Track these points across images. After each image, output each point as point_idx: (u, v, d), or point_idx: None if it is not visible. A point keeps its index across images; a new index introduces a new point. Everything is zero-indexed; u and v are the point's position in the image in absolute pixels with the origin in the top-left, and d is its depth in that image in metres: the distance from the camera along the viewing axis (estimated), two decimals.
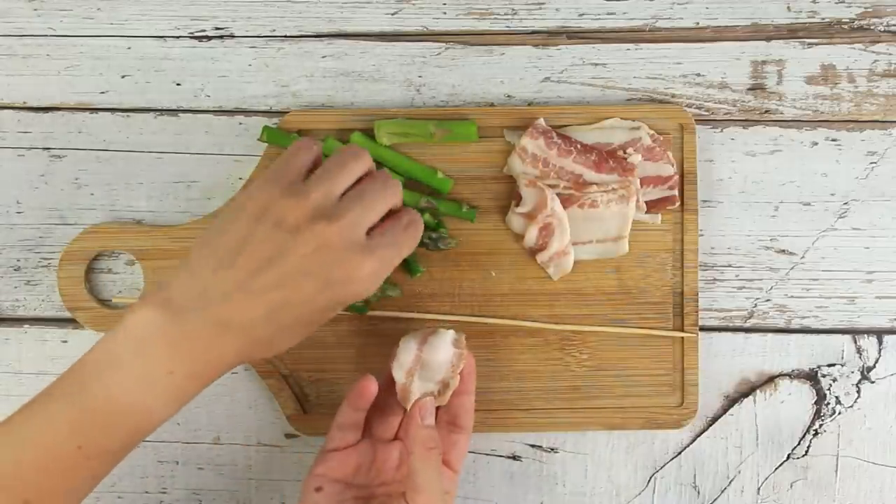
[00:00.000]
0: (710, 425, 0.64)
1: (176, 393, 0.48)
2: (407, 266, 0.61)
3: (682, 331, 0.62)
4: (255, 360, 0.51)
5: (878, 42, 0.63)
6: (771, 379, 0.64)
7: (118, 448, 0.48)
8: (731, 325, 0.64)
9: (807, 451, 0.64)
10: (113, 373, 0.47)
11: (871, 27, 0.63)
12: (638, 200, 0.61)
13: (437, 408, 0.55)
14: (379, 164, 0.61)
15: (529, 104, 0.63)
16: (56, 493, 0.47)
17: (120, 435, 0.47)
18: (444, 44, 0.64)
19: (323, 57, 0.64)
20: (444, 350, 0.55)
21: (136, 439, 0.48)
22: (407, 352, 0.54)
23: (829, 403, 0.64)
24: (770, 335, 0.64)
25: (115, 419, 0.47)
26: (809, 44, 0.64)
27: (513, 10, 0.63)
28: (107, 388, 0.47)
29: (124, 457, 0.49)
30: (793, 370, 0.64)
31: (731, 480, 0.64)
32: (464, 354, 0.54)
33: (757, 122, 0.64)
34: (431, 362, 0.54)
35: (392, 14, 0.63)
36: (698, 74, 0.64)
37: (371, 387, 0.54)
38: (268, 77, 0.64)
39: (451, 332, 0.55)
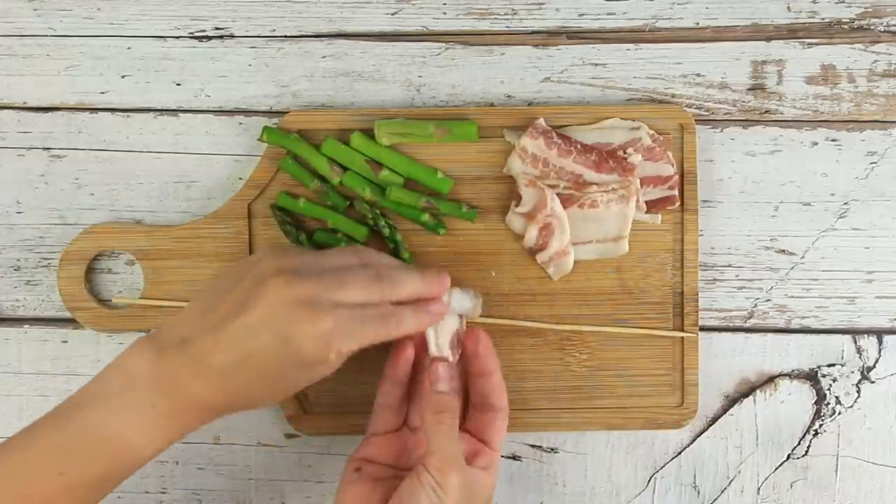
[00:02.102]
0: (710, 425, 0.64)
1: (159, 429, 0.49)
2: None
3: (682, 331, 0.62)
4: (242, 409, 0.51)
5: (878, 42, 0.63)
6: (771, 379, 0.64)
7: (100, 478, 0.48)
8: (731, 325, 0.64)
9: (807, 451, 0.64)
10: (98, 406, 0.49)
11: (871, 27, 0.63)
12: (638, 200, 0.61)
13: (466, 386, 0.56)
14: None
15: (529, 104, 0.63)
16: None
17: (102, 464, 0.48)
18: (444, 44, 0.64)
19: (323, 57, 0.64)
20: (450, 318, 0.55)
21: (119, 471, 0.49)
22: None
23: (829, 403, 0.64)
24: (770, 335, 0.64)
25: (97, 447, 0.48)
26: (809, 44, 0.64)
27: (513, 10, 0.63)
28: (91, 418, 0.48)
29: (109, 491, 0.50)
30: (793, 370, 0.64)
31: (731, 480, 0.64)
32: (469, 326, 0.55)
33: (757, 122, 0.64)
34: (457, 302, 0.56)
35: (392, 14, 0.63)
36: (698, 74, 0.64)
37: (408, 351, 0.55)
38: (268, 77, 0.64)
39: (459, 293, 0.56)
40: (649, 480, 0.64)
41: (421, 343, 0.56)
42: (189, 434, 0.50)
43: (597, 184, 0.61)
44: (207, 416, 0.50)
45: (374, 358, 0.59)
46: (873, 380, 0.64)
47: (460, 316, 0.56)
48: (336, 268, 0.51)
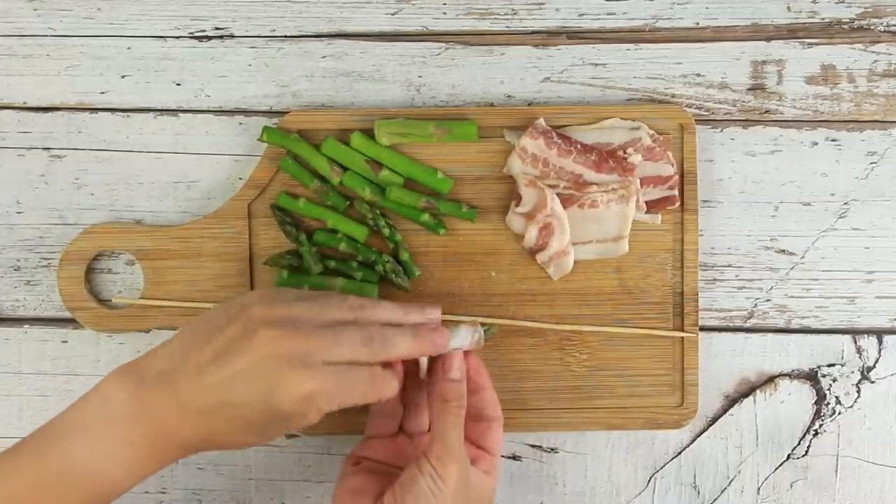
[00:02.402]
0: (710, 425, 0.64)
1: (137, 462, 0.49)
2: (404, 268, 0.61)
3: (682, 331, 0.62)
4: (218, 449, 0.51)
5: (878, 42, 0.63)
6: (771, 379, 0.64)
7: None
8: (731, 325, 0.64)
9: (807, 451, 0.64)
10: (76, 436, 0.48)
11: (871, 27, 0.63)
12: (638, 200, 0.61)
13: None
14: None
15: (529, 104, 0.63)
16: None
17: (79, 497, 0.48)
18: (444, 44, 0.64)
19: (323, 57, 0.64)
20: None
21: (95, 503, 0.49)
22: None
23: (829, 403, 0.64)
24: (770, 335, 0.64)
25: (73, 481, 0.48)
26: (809, 44, 0.64)
27: (513, 10, 0.63)
28: (68, 450, 0.48)
29: None
30: (793, 370, 0.64)
31: (731, 480, 0.64)
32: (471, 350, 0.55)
33: (757, 122, 0.64)
34: (457, 342, 0.55)
35: (392, 14, 0.63)
36: (698, 74, 0.64)
37: (396, 364, 0.55)
38: (268, 77, 0.64)
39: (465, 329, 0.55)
40: (649, 480, 0.64)
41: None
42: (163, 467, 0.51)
43: (597, 184, 0.61)
44: (185, 451, 0.50)
45: None
46: (873, 380, 0.64)
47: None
48: (328, 323, 0.50)
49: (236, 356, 0.48)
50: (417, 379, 0.56)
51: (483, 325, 0.58)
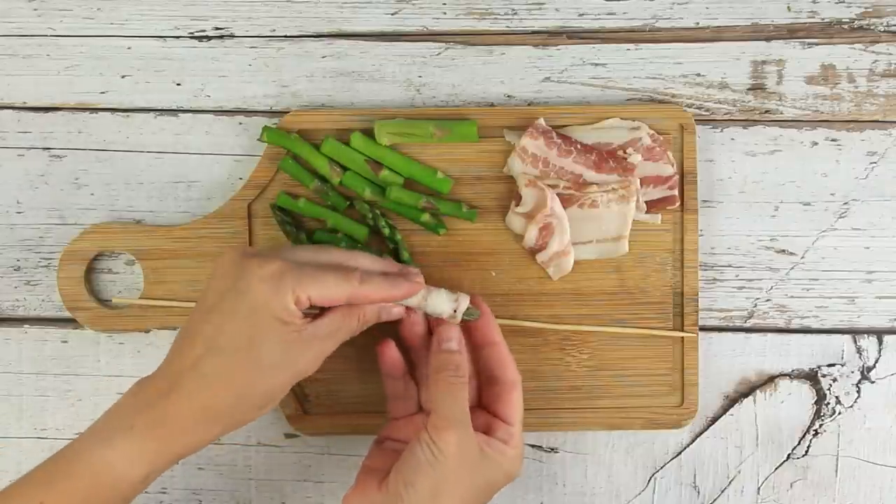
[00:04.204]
0: (710, 425, 0.64)
1: (140, 452, 0.48)
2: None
3: (682, 331, 0.62)
4: (230, 415, 0.50)
5: (878, 42, 0.63)
6: (771, 379, 0.64)
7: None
8: (731, 325, 0.64)
9: (807, 451, 0.64)
10: (85, 437, 0.49)
11: (871, 27, 0.63)
12: (638, 200, 0.61)
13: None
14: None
15: (529, 104, 0.63)
16: None
17: (82, 491, 0.48)
18: (444, 44, 0.64)
19: (323, 57, 0.64)
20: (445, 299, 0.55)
21: (103, 499, 0.48)
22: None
23: (829, 403, 0.64)
24: (770, 335, 0.64)
25: (76, 473, 0.48)
26: (809, 44, 0.64)
27: (513, 10, 0.63)
28: (74, 448, 0.49)
29: None
30: (793, 370, 0.64)
31: (731, 480, 0.64)
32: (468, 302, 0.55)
33: (757, 122, 0.64)
34: (434, 303, 0.55)
35: (392, 14, 0.63)
36: (698, 74, 0.64)
37: (387, 350, 0.56)
38: (268, 77, 0.64)
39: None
40: (649, 480, 0.64)
41: (412, 331, 0.56)
42: (178, 461, 0.50)
43: (597, 184, 0.61)
44: (191, 435, 0.49)
45: (373, 358, 0.59)
46: (873, 380, 0.64)
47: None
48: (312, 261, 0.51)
49: (206, 289, 0.50)
50: (421, 358, 0.56)
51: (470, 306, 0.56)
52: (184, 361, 0.49)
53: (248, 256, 0.50)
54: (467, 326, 0.56)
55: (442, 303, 0.54)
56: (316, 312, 0.51)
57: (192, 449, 0.50)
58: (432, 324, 0.56)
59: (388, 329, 0.57)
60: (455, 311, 0.54)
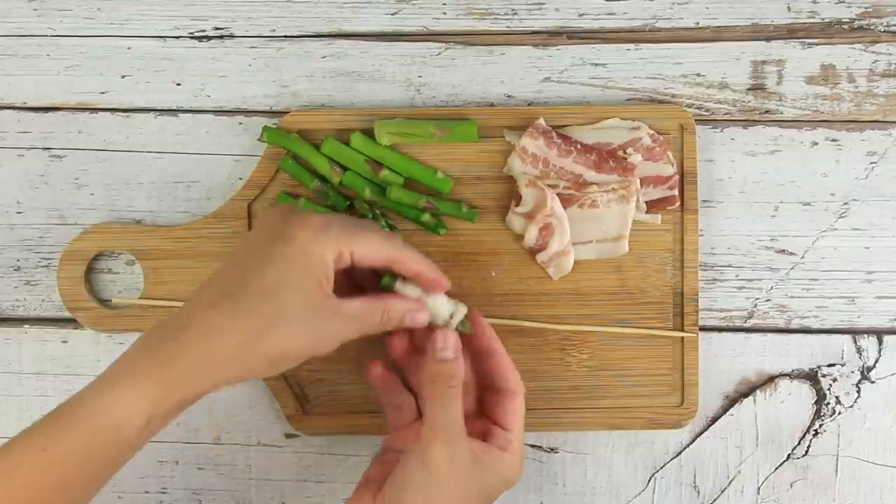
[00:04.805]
0: (710, 425, 0.64)
1: (141, 391, 0.46)
2: None
3: (682, 331, 0.62)
4: (236, 369, 0.48)
5: (878, 42, 0.63)
6: (771, 379, 0.64)
7: (85, 452, 0.46)
8: (731, 325, 0.64)
9: (807, 451, 0.64)
10: (89, 385, 0.48)
11: (871, 27, 0.63)
12: (638, 200, 0.61)
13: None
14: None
15: (529, 104, 0.63)
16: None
17: (83, 437, 0.46)
18: (444, 44, 0.64)
19: (323, 57, 0.64)
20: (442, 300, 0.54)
21: (106, 444, 0.47)
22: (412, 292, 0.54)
23: (829, 403, 0.64)
24: (770, 335, 0.64)
25: (78, 418, 0.46)
26: (809, 44, 0.64)
27: (513, 10, 0.63)
28: (77, 396, 0.48)
29: (101, 473, 0.48)
30: (793, 370, 0.64)
31: (731, 480, 0.64)
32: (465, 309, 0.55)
33: (757, 122, 0.64)
34: (433, 304, 0.54)
35: (392, 14, 0.63)
36: (698, 74, 0.64)
37: (373, 370, 0.56)
38: (268, 77, 0.64)
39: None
40: (649, 480, 0.64)
41: (398, 345, 0.56)
42: (184, 410, 0.48)
43: (597, 184, 0.61)
44: (194, 380, 0.47)
45: (373, 358, 0.59)
46: (873, 380, 0.64)
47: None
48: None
49: (245, 237, 0.51)
50: (414, 365, 0.56)
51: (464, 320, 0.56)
52: (199, 303, 0.48)
53: (295, 211, 0.50)
54: (467, 338, 0.56)
55: (441, 306, 0.54)
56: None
57: (195, 395, 0.48)
58: (417, 338, 0.56)
59: (374, 348, 0.58)
60: (451, 317, 0.54)
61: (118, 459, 0.48)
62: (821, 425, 0.64)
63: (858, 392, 0.64)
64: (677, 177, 0.62)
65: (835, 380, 0.64)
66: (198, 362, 0.47)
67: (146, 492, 0.64)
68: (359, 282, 0.54)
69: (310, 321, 0.48)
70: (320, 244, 0.48)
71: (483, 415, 0.56)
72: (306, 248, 0.48)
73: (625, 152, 0.61)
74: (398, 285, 0.53)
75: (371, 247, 0.50)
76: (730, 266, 0.64)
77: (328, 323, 0.49)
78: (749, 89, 0.64)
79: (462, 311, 0.54)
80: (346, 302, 0.50)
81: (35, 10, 0.63)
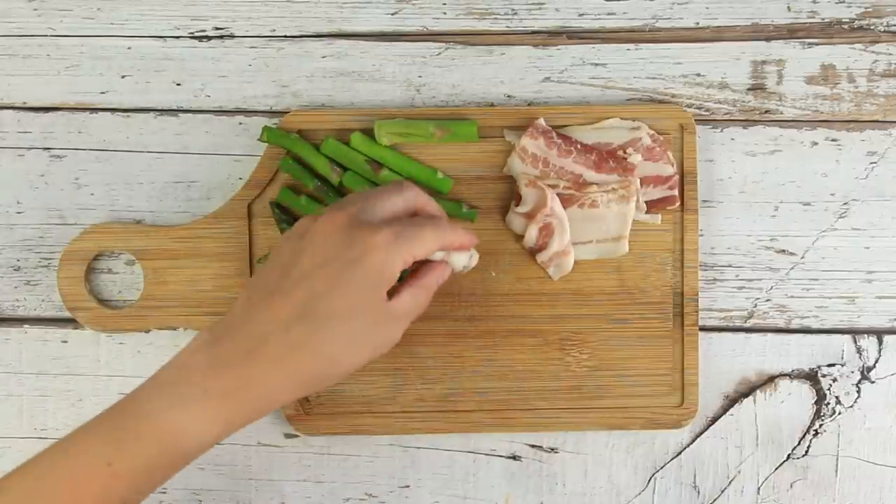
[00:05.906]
0: (710, 425, 0.64)
1: (212, 415, 0.47)
2: None
3: (682, 331, 0.62)
4: (313, 376, 0.49)
5: (878, 42, 0.63)
6: (771, 379, 0.64)
7: (149, 468, 0.47)
8: (731, 325, 0.64)
9: (807, 451, 0.64)
10: (151, 394, 0.47)
11: (871, 27, 0.63)
12: (638, 200, 0.61)
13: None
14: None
15: (529, 104, 0.63)
16: None
17: (151, 453, 0.46)
18: (444, 44, 0.64)
19: (323, 57, 0.64)
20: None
21: (169, 460, 0.47)
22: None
23: (829, 403, 0.64)
24: (770, 335, 0.64)
25: (146, 435, 0.46)
26: (809, 44, 0.64)
27: (513, 10, 0.63)
28: (142, 407, 0.47)
29: (160, 482, 0.48)
30: (793, 370, 0.64)
31: (731, 480, 0.64)
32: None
33: (757, 122, 0.64)
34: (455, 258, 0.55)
35: (392, 14, 0.63)
36: (698, 74, 0.64)
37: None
38: (268, 77, 0.64)
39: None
40: (649, 480, 0.64)
41: None
42: (252, 423, 0.49)
43: (597, 184, 0.61)
44: (270, 399, 0.48)
45: (374, 359, 0.59)
46: (873, 380, 0.64)
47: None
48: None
49: (300, 257, 0.49)
50: None
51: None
52: (270, 323, 0.48)
53: (355, 226, 0.49)
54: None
55: (460, 258, 0.55)
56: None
57: (268, 411, 0.49)
58: None
59: None
60: (465, 266, 0.56)
61: (176, 472, 0.48)
62: (821, 425, 0.64)
63: (858, 392, 0.64)
64: (677, 177, 0.62)
65: (835, 380, 0.64)
66: (270, 384, 0.48)
67: None
68: None
69: (375, 337, 0.50)
70: (389, 264, 0.49)
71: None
72: (380, 269, 0.49)
73: (625, 152, 0.61)
74: None
75: (427, 245, 0.51)
76: (730, 266, 0.64)
77: (389, 332, 0.51)
78: (749, 89, 0.64)
79: (475, 258, 0.56)
80: (398, 301, 0.51)
81: (35, 10, 0.63)
